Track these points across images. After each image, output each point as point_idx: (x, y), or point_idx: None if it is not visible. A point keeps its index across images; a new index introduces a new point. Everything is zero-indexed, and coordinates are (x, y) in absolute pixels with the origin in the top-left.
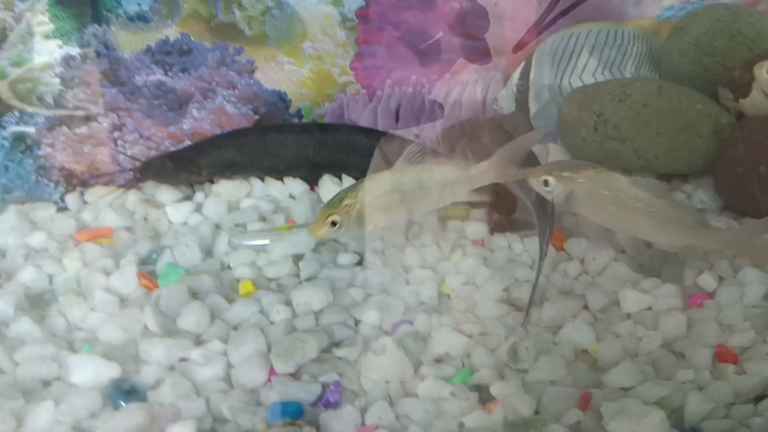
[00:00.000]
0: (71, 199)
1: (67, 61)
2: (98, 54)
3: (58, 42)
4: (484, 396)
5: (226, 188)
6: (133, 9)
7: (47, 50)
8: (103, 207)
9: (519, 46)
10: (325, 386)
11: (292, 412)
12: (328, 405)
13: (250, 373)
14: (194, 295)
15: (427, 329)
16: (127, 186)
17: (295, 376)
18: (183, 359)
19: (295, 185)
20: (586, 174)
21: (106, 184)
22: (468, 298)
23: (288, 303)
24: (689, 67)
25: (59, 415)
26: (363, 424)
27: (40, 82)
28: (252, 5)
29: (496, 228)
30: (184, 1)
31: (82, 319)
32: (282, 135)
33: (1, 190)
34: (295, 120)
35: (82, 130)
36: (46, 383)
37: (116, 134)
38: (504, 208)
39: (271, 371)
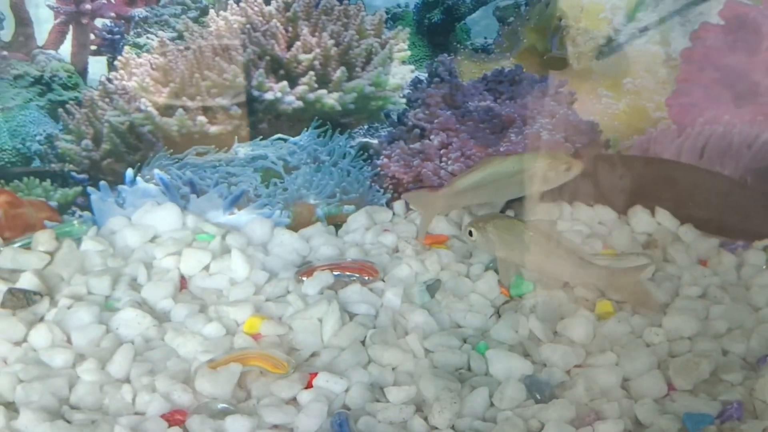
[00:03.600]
0: (397, 205)
1: (416, 84)
2: (442, 80)
3: (411, 67)
4: None
5: (540, 210)
6: (480, 42)
7: (401, 74)
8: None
9: None
10: (724, 404)
11: (706, 422)
12: (732, 420)
13: (652, 385)
14: (559, 307)
15: None
16: None
17: (692, 392)
18: (578, 365)
19: (605, 212)
20: (494, 223)
21: None
22: None
23: (658, 326)
24: None
25: (495, 401)
26: None
27: (390, 101)
28: (585, 42)
29: None
30: (524, 37)
31: (463, 317)
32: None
33: (341, 191)
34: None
35: (415, 145)
36: (458, 370)
37: (442, 151)
38: None
39: (670, 386)
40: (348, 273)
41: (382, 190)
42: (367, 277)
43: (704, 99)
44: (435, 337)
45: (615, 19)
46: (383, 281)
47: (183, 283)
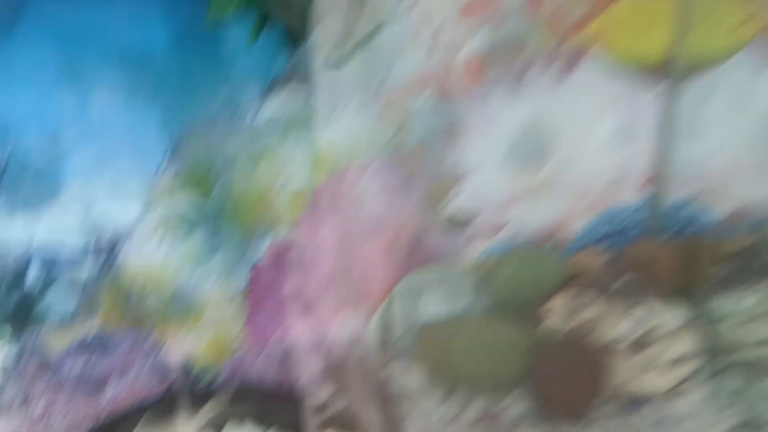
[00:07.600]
0: None
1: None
2: (31, 353)
3: None
4: None
5: None
6: (60, 311)
7: None
8: None
9: None
10: None
11: None
12: None
13: None
14: None
15: None
16: None
17: None
18: None
19: None
20: None
21: None
22: None
23: None
24: None
25: None
26: None
27: None
28: (156, 302)
29: None
30: (103, 301)
31: None
32: None
33: None
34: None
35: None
36: None
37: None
38: None
39: None
40: None
41: None
42: None
43: (276, 317)
44: None
45: (179, 276)
46: None
47: None
